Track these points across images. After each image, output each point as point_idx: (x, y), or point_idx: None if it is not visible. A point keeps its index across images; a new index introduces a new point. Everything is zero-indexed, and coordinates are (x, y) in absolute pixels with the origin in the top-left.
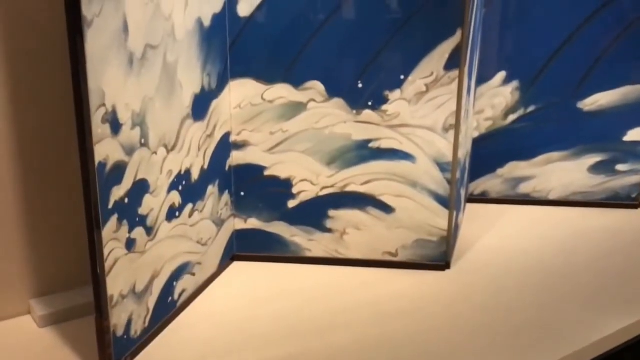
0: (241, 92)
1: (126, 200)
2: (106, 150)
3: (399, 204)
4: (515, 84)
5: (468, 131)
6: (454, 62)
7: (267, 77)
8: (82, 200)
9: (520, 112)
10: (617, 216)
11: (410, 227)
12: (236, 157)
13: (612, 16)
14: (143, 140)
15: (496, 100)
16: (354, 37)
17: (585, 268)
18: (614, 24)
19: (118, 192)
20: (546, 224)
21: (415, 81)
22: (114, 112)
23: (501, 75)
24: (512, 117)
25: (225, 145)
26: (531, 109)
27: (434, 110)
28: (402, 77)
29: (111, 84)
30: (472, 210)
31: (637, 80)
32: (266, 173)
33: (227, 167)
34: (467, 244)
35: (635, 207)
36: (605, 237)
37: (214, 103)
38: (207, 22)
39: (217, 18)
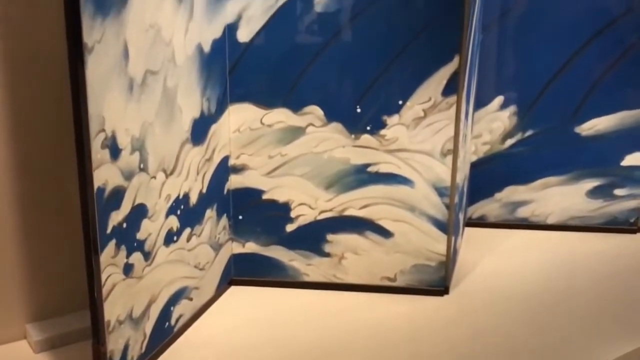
0: (240, 116)
1: (124, 225)
2: (105, 175)
3: (398, 229)
4: (512, 108)
5: (466, 155)
6: (451, 87)
7: (266, 101)
8: (80, 225)
9: (518, 137)
10: (615, 241)
11: (409, 251)
12: (235, 181)
13: (609, 42)
14: (142, 165)
15: (494, 124)
16: (352, 63)
17: (585, 293)
18: (610, 49)
19: (116, 217)
20: (545, 249)
21: (414, 106)
22: (114, 137)
23: (499, 99)
24: (510, 142)
25: (224, 169)
26: (529, 133)
27: (432, 135)
28: (400, 102)
29: (111, 109)
30: (471, 235)
31: (634, 105)
32: (264, 197)
33: (225, 191)
34: (466, 268)
35: (633, 231)
36: (603, 262)
37: (213, 127)
38: (207, 48)
39: (217, 43)
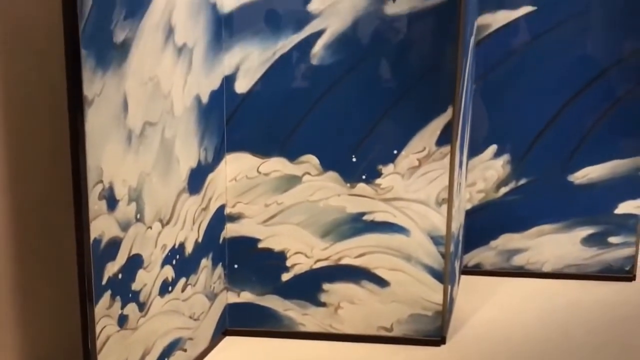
0: (237, 165)
1: (120, 276)
2: (102, 226)
3: (394, 278)
4: (506, 157)
5: (461, 204)
6: (445, 137)
7: (263, 150)
8: (76, 276)
9: (512, 185)
10: (611, 289)
11: (405, 301)
12: (230, 230)
13: (600, 92)
14: (139, 215)
15: (488, 173)
16: (347, 113)
17: (582, 343)
18: (601, 100)
19: (112, 268)
20: (541, 297)
21: (408, 156)
22: (111, 189)
23: (492, 148)
24: (504, 190)
25: (220, 218)
26: (522, 181)
27: (427, 184)
28: (395, 151)
29: (109, 160)
30: (467, 283)
31: (625, 154)
32: (260, 245)
33: (221, 240)
34: (463, 317)
35: (629, 279)
36: (600, 310)
37: (210, 176)
38: (205, 99)
39: (215, 94)
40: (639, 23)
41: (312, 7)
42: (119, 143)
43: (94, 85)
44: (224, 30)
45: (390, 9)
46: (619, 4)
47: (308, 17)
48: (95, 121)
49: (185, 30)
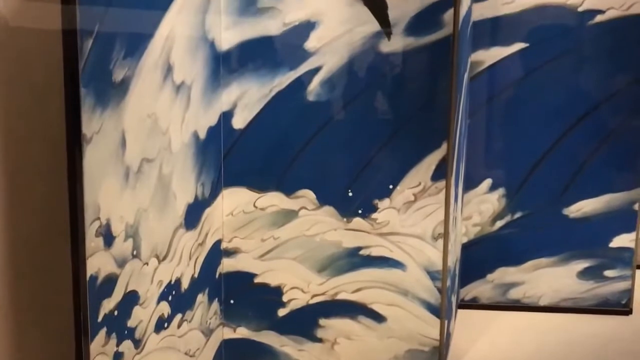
0: (234, 200)
1: (115, 313)
2: (98, 263)
3: (390, 313)
4: (501, 190)
5: (457, 238)
6: (440, 172)
7: (260, 185)
8: (71, 314)
9: (508, 219)
10: (608, 323)
11: (402, 336)
12: (227, 265)
13: (594, 126)
14: (135, 252)
15: (483, 206)
16: (344, 148)
17: None
18: (595, 133)
19: (108, 305)
20: (538, 332)
21: (404, 191)
22: (108, 225)
23: (487, 182)
24: (499, 223)
25: (216, 253)
26: (518, 215)
27: (423, 218)
28: (390, 186)
29: (107, 197)
30: (464, 317)
31: (618, 188)
32: (256, 280)
33: (217, 275)
34: (460, 352)
35: (626, 313)
36: (597, 345)
37: (207, 211)
38: (202, 135)
39: (213, 130)
40: (630, 57)
41: (309, 44)
42: (116, 180)
43: (92, 123)
44: (222, 67)
45: (386, 47)
46: (610, 40)
47: (305, 55)
48: (93, 159)
49: (184, 67)
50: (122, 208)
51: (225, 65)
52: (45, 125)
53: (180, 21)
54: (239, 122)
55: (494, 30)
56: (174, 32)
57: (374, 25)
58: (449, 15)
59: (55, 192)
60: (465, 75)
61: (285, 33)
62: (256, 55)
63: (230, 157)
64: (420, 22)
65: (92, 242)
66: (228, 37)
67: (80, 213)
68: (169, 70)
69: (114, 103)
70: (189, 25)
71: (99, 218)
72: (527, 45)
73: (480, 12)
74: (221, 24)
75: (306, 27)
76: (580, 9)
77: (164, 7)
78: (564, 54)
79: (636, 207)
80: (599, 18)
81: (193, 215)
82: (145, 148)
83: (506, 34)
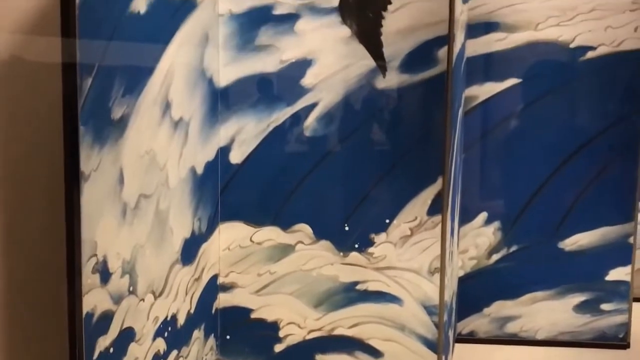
0: (230, 234)
1: (111, 350)
2: (94, 300)
3: (388, 349)
4: (497, 224)
5: (454, 271)
6: (436, 207)
7: (257, 219)
8: (67, 352)
9: (504, 252)
10: (606, 357)
11: None
12: (223, 300)
13: (588, 159)
14: (131, 288)
15: (479, 240)
16: (340, 183)
17: None
18: (589, 166)
19: (103, 342)
20: None
21: (400, 225)
22: (105, 262)
23: (483, 215)
24: (495, 257)
25: (213, 288)
26: (514, 248)
27: (419, 253)
28: (387, 220)
29: (104, 234)
30: (461, 351)
31: (614, 221)
32: (253, 316)
33: (213, 310)
34: None
35: (623, 347)
36: None
37: (203, 246)
38: (200, 170)
39: (210, 165)
40: (622, 92)
41: (305, 81)
42: (113, 216)
43: (90, 160)
44: (220, 103)
45: (381, 83)
46: (601, 75)
47: (302, 91)
48: (91, 196)
49: (182, 104)
50: (119, 244)
51: (223, 101)
52: (43, 161)
53: (179, 58)
54: (236, 157)
55: (487, 66)
56: (172, 69)
57: (369, 62)
58: (443, 52)
59: (52, 229)
60: (460, 111)
61: (282, 70)
62: (254, 92)
63: (227, 191)
64: (415, 59)
65: (89, 279)
66: (226, 73)
67: (77, 250)
68: (167, 106)
69: (113, 140)
70: (188, 62)
71: (95, 255)
72: (520, 80)
73: (474, 49)
74: (219, 61)
75: (303, 64)
76: (571, 46)
77: (163, 46)
78: (557, 90)
79: (631, 240)
80: (590, 54)
81: (190, 251)
82: (142, 184)
83: (499, 70)
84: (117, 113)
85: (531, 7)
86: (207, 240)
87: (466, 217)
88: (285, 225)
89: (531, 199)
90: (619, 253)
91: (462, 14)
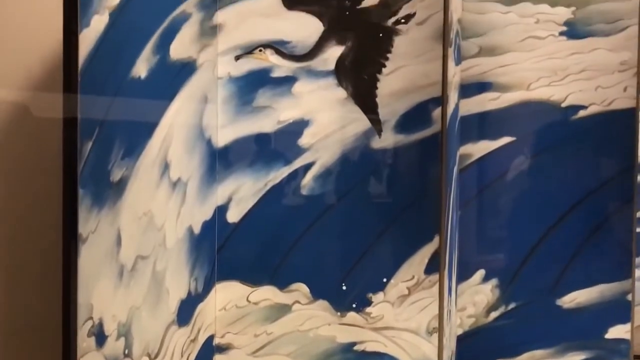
0: (227, 294)
1: None
2: None
3: None
4: (494, 281)
5: (452, 331)
6: (433, 265)
7: (253, 279)
8: None
9: (502, 310)
10: None
11: None
12: None
13: (585, 215)
14: (127, 351)
15: (477, 297)
16: (337, 242)
17: None
18: (586, 222)
19: None
20: None
21: (398, 284)
22: (101, 325)
23: (480, 273)
24: (494, 315)
25: (209, 349)
26: (512, 306)
27: (417, 312)
28: (384, 279)
29: (100, 296)
30: None
31: (612, 278)
32: None
33: None
34: None
35: None
36: None
37: (200, 307)
38: (197, 229)
39: (207, 224)
40: (615, 150)
41: (302, 141)
42: (110, 278)
43: (88, 223)
44: (218, 162)
45: (377, 143)
46: (594, 134)
47: (299, 151)
48: (88, 258)
49: (181, 165)
50: (115, 307)
51: (222, 161)
52: (40, 222)
53: (179, 120)
54: (234, 215)
55: (481, 124)
56: (172, 131)
57: (365, 123)
58: (437, 113)
59: (48, 291)
60: (455, 169)
61: (279, 130)
62: (251, 151)
63: (224, 250)
64: (410, 120)
65: (84, 342)
66: (225, 134)
67: (73, 314)
68: (166, 167)
69: (111, 202)
70: (187, 123)
71: (91, 318)
72: (514, 139)
73: (468, 108)
74: (218, 122)
75: (300, 125)
76: (563, 105)
77: (163, 109)
78: (551, 147)
79: (629, 297)
80: (582, 113)
81: (186, 311)
82: (140, 245)
83: (493, 128)
84: (116, 175)
85: (523, 68)
86: (203, 301)
87: (464, 274)
88: (282, 284)
89: (528, 256)
90: (618, 310)
91: (455, 76)
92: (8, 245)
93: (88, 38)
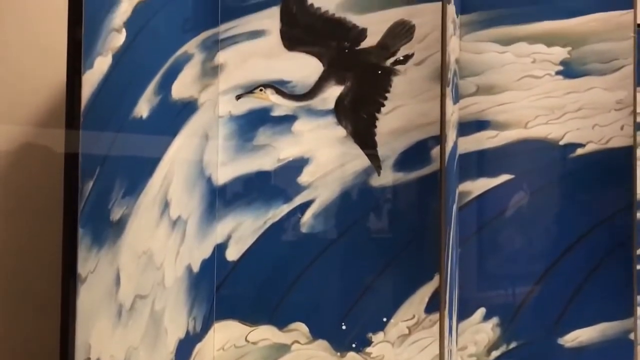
0: (225, 333)
1: None
2: None
3: None
4: (495, 320)
5: None
6: (433, 305)
7: (252, 318)
8: None
9: (503, 349)
10: None
11: None
12: None
13: (585, 253)
14: None
15: (478, 336)
16: (336, 281)
17: None
18: (587, 260)
19: None
20: None
21: (398, 324)
22: None
23: (481, 311)
24: (495, 354)
25: None
26: (513, 345)
27: (418, 352)
28: (384, 319)
29: (98, 336)
30: None
31: (614, 317)
32: None
33: None
34: None
35: None
36: None
37: (198, 346)
38: (196, 268)
39: (206, 263)
40: (614, 187)
41: (302, 179)
42: (108, 318)
43: (88, 263)
44: (218, 201)
45: (376, 182)
46: (592, 171)
47: (298, 189)
48: (87, 298)
49: (181, 203)
50: (113, 347)
51: (221, 199)
52: (40, 264)
53: (180, 158)
54: (233, 254)
55: (480, 162)
56: (173, 169)
57: (364, 161)
58: (435, 151)
59: (46, 330)
60: (454, 207)
61: (279, 168)
62: (251, 189)
63: (223, 289)
64: (409, 158)
65: None
66: (225, 172)
67: (71, 353)
68: (166, 205)
69: (111, 241)
70: (188, 161)
71: (89, 358)
72: (513, 176)
73: (466, 146)
74: (218, 160)
75: (299, 163)
76: (561, 143)
77: (164, 148)
78: (549, 185)
79: (631, 336)
80: (579, 151)
81: (184, 351)
82: (139, 285)
83: (492, 166)
84: (116, 214)
85: (520, 106)
86: (202, 340)
87: (464, 313)
88: (281, 324)
89: (529, 293)
90: (620, 349)
91: (453, 114)
92: (7, 284)
93: (91, 79)
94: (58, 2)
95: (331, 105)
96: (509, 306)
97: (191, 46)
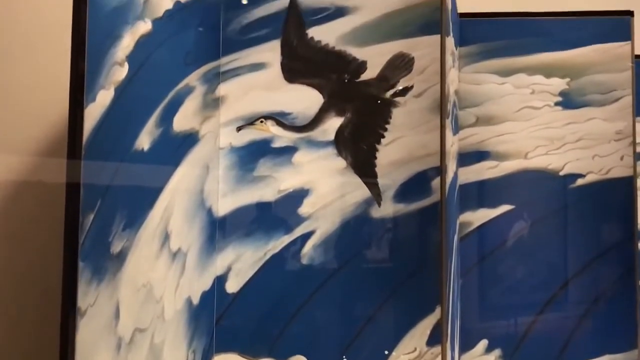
0: None
1: None
2: None
3: None
4: (497, 352)
5: None
6: (435, 337)
7: (252, 351)
8: None
9: None
10: None
11: None
12: None
13: (587, 284)
14: None
15: None
16: (337, 313)
17: None
18: (589, 291)
19: None
20: None
21: (399, 357)
22: None
23: (483, 343)
24: None
25: None
26: None
27: None
28: (386, 352)
29: None
30: None
31: (617, 349)
32: None
33: None
34: None
35: None
36: None
37: None
38: (196, 300)
39: (206, 295)
40: (616, 218)
41: (302, 210)
42: (108, 352)
43: (87, 296)
44: (218, 232)
45: (376, 213)
46: (592, 202)
47: (299, 220)
48: (86, 332)
49: (181, 235)
50: None
51: (221, 230)
52: (40, 297)
53: (180, 190)
54: (233, 286)
55: (480, 193)
56: (173, 201)
57: (364, 192)
58: (436, 182)
59: None
60: (455, 237)
61: (279, 199)
62: (252, 220)
63: (223, 321)
64: (409, 190)
65: None
66: (225, 203)
67: None
68: (166, 238)
69: (111, 275)
70: (189, 193)
71: None
72: (513, 207)
73: (466, 177)
74: (219, 191)
75: (300, 194)
76: (561, 173)
77: (165, 180)
78: (550, 215)
79: None
80: (580, 182)
81: None
82: (138, 318)
83: (492, 197)
84: (116, 247)
85: (520, 137)
86: None
87: (466, 345)
88: (282, 356)
89: (531, 325)
90: None
91: (454, 145)
92: (7, 317)
93: (94, 112)
94: (62, 36)
95: (331, 136)
96: (511, 337)
97: (192, 79)
